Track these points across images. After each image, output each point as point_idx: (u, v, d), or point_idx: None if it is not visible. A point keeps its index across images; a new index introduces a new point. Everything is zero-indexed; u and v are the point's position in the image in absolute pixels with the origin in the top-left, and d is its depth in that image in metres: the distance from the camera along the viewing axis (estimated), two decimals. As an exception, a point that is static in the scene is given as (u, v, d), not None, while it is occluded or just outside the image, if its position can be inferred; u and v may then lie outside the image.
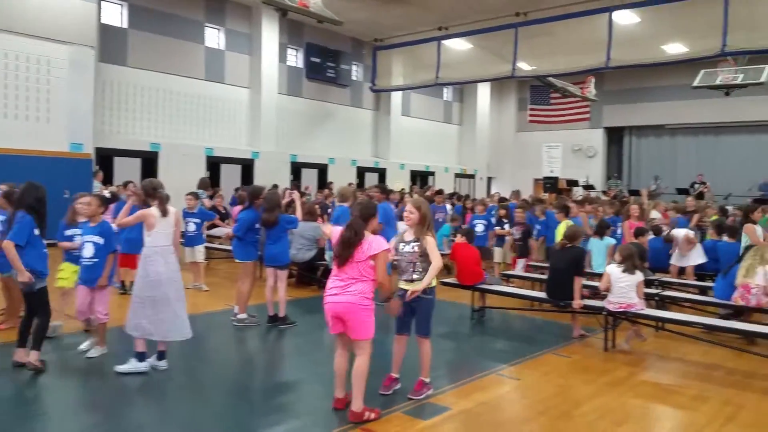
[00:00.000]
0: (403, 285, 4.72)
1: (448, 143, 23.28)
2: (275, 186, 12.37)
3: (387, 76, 17.94)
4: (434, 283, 4.68)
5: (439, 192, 13.58)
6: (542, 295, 7.21)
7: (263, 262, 7.12)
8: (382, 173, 19.67)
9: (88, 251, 5.30)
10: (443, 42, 16.58)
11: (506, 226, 10.12)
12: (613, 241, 8.58)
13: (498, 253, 10.25)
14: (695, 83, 15.84)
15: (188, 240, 8.95)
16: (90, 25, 12.20)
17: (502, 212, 10.40)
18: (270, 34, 16.28)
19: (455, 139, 23.63)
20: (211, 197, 11.37)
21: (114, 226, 5.61)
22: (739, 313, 6.74)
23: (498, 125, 24.87)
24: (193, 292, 8.57)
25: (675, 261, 8.73)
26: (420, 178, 21.44)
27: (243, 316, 6.96)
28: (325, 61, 17.88)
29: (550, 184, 19.80)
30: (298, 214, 7.24)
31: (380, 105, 20.08)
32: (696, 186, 18.40)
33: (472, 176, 23.48)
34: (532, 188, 22.20)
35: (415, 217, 4.64)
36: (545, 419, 4.47)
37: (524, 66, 16.40)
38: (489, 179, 24.42)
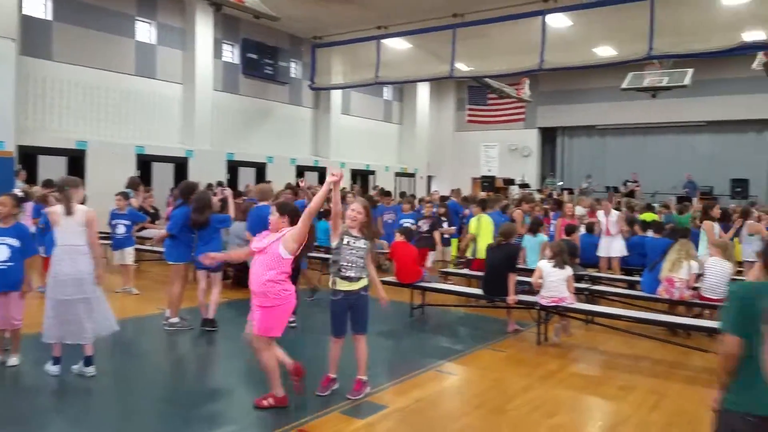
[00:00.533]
0: (343, 285, 4.62)
1: (389, 142, 23.35)
2: (209, 186, 12.05)
3: (326, 74, 17.78)
4: (366, 281, 4.73)
5: (387, 193, 13.52)
6: (479, 291, 7.32)
7: (195, 264, 6.87)
8: (322, 172, 19.50)
9: (1, 254, 4.98)
10: (383, 41, 16.58)
11: (445, 224, 10.23)
12: (546, 237, 8.82)
13: (439, 252, 10.34)
14: (624, 85, 16.44)
15: (117, 242, 8.59)
16: (10, 15, 11.51)
17: (443, 210, 10.50)
18: (204, 28, 15.85)
19: (395, 138, 23.71)
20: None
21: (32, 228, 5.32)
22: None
23: (437, 124, 25.12)
24: (122, 296, 8.25)
25: (601, 252, 9.06)
26: (360, 176, 21.39)
27: (175, 320, 6.73)
28: (262, 57, 17.55)
29: (487, 182, 20.15)
30: (231, 212, 7.06)
31: (320, 103, 19.90)
32: (628, 184, 19.15)
33: (412, 175, 23.63)
34: (470, 187, 22.54)
35: (362, 218, 4.65)
36: (480, 414, 4.52)
37: (462, 66, 16.61)
38: (429, 178, 24.63)
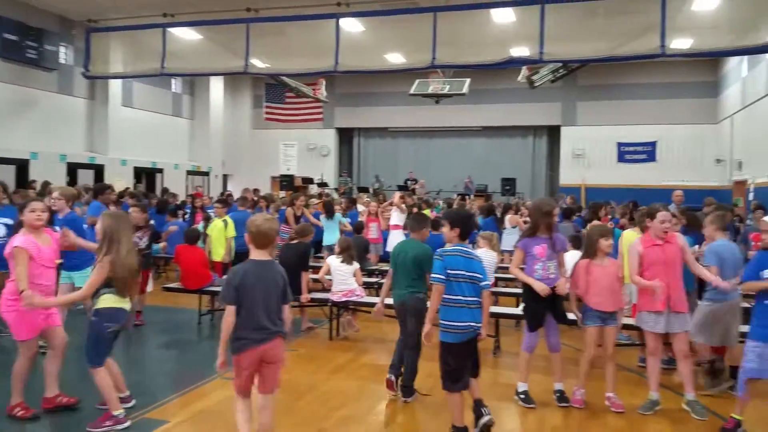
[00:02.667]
0: None
1: (179, 138, 21.93)
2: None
3: (104, 61, 16.05)
4: (108, 303, 4.07)
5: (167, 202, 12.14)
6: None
7: None
8: (99, 170, 17.55)
9: None
10: (170, 30, 15.50)
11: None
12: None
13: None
14: (411, 91, 17.50)
15: None
16: None
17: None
18: (-54, 1, 13.37)
19: (186, 133, 22.36)
20: None
21: None
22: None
23: (233, 121, 24.29)
24: None
25: (389, 247, 9.51)
26: (146, 175, 19.82)
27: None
28: (24, 39, 15.21)
29: (286, 181, 20.02)
30: None
31: (96, 93, 17.91)
32: (409, 183, 20.40)
33: (206, 174, 22.55)
34: (269, 186, 22.23)
35: (98, 233, 4.13)
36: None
37: (258, 63, 16.28)
38: (225, 177, 23.76)
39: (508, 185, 19.03)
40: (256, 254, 3.52)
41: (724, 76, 19.08)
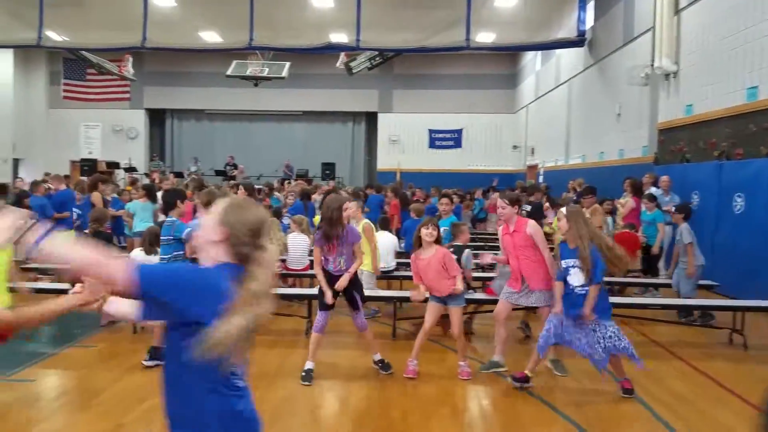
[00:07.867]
0: None
1: (-45, 117, 19.01)
2: None
3: None
4: None
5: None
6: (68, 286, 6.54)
7: None
8: None
9: None
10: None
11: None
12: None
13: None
14: (228, 72, 16.97)
15: None
16: None
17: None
18: None
19: (-34, 113, 19.47)
20: None
21: None
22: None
23: (25, 99, 21.44)
24: None
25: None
26: None
27: None
28: None
29: (88, 166, 18.28)
30: None
31: None
32: (228, 168, 19.85)
33: (-8, 158, 19.81)
34: (69, 171, 20.12)
35: None
36: (60, 417, 4.10)
37: (53, 35, 14.70)
38: (15, 161, 21.03)
39: (329, 170, 19.38)
40: None
41: (521, 70, 21.24)
